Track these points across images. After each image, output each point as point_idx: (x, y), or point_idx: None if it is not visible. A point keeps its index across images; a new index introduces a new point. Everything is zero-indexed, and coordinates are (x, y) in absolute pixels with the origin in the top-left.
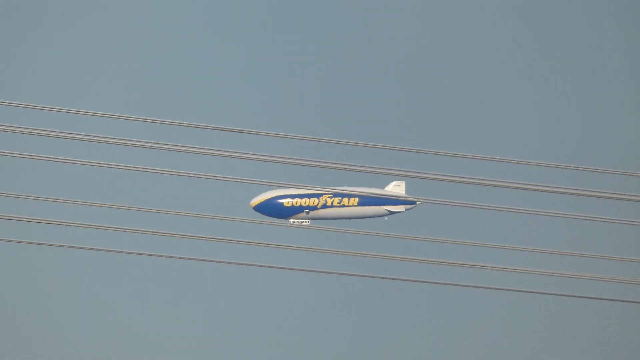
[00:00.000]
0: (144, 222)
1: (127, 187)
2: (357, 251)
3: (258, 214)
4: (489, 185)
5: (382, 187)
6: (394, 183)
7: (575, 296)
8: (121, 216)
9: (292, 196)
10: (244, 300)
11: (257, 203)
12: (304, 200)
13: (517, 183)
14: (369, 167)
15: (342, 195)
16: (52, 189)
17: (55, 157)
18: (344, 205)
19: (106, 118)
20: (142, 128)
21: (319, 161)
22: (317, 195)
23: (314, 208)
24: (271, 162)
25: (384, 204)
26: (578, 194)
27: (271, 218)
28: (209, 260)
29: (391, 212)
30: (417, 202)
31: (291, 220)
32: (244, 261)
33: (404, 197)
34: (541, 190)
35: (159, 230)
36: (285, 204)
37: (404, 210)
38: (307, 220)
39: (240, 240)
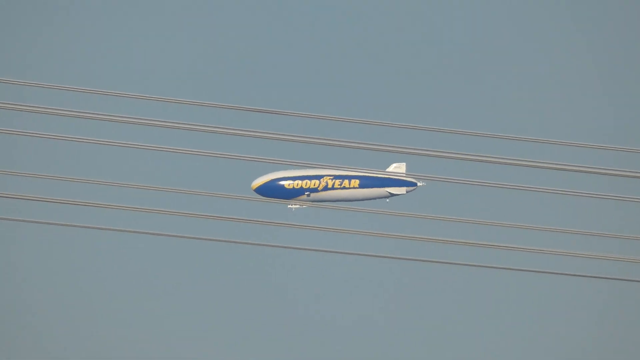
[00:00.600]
0: (144, 200)
1: (127, 165)
2: (361, 230)
3: (259, 196)
4: (493, 162)
5: (383, 169)
6: (394, 165)
7: (580, 275)
8: (124, 194)
9: (293, 178)
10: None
11: (257, 185)
12: (304, 182)
13: (524, 160)
14: (373, 144)
15: (343, 177)
16: (46, 167)
17: (52, 134)
18: (345, 187)
19: (98, 95)
20: (144, 105)
21: (321, 138)
22: (318, 177)
23: (315, 190)
24: (273, 138)
25: (385, 186)
26: (586, 172)
27: (271, 200)
28: (211, 239)
29: (392, 194)
30: (419, 184)
31: (291, 206)
32: (247, 241)
33: (411, 175)
34: (550, 168)
35: (158, 208)
36: (286, 186)
37: (405, 192)
38: (307, 204)
39: (252, 220)
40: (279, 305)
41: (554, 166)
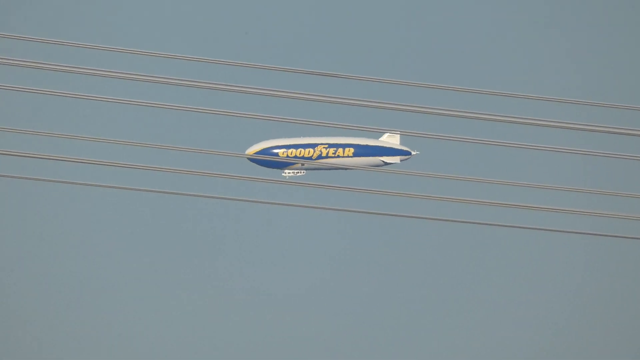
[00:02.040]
0: (143, 157)
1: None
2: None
3: (253, 164)
4: (486, 119)
5: (376, 138)
6: (387, 134)
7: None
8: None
9: (287, 146)
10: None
11: (252, 152)
12: (299, 150)
13: (515, 118)
14: (368, 102)
15: (337, 146)
16: (45, 124)
17: (50, 89)
18: (339, 156)
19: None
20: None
21: (329, 99)
22: (313, 146)
23: (309, 159)
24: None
25: (379, 155)
26: (583, 129)
27: (266, 168)
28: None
29: (386, 163)
30: (413, 153)
31: (285, 172)
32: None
33: (404, 147)
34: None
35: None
36: (281, 154)
37: (399, 161)
38: (302, 171)
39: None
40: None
41: (548, 124)
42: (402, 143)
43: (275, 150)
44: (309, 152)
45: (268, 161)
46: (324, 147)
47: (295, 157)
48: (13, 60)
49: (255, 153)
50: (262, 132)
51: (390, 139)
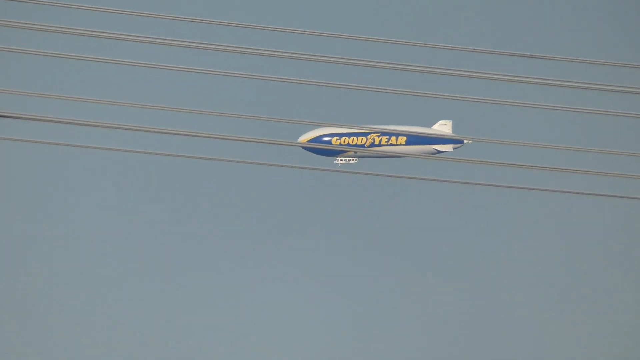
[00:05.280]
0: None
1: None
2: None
3: (306, 151)
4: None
5: (429, 126)
6: (440, 122)
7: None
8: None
9: (340, 134)
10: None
11: (305, 140)
12: (351, 138)
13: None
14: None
15: (390, 134)
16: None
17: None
18: (391, 144)
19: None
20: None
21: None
22: (365, 134)
23: (362, 146)
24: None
25: (432, 143)
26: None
27: (318, 156)
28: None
29: (439, 152)
30: (465, 142)
31: (338, 159)
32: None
33: (453, 136)
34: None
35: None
36: (333, 142)
37: (452, 149)
38: (354, 159)
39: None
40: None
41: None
42: (454, 132)
43: (327, 138)
44: (361, 140)
45: (321, 148)
46: (376, 136)
47: (348, 144)
48: (14, 22)
49: (307, 141)
50: (314, 118)
51: (442, 128)
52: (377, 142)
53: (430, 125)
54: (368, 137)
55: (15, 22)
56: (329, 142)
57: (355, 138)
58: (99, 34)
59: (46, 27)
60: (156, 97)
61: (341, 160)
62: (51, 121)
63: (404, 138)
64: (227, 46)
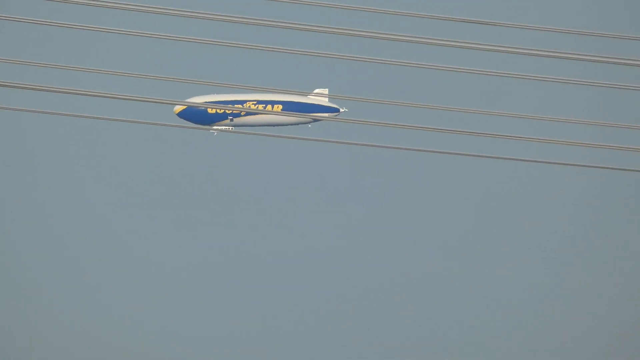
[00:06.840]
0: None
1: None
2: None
3: (182, 120)
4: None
5: (305, 93)
6: (317, 90)
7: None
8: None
9: (216, 102)
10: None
11: (180, 110)
12: (227, 106)
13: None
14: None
15: (266, 102)
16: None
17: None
18: (268, 112)
19: None
20: None
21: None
22: (241, 102)
23: (238, 115)
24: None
25: (308, 111)
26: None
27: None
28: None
29: (315, 120)
30: (341, 110)
31: (214, 128)
32: None
33: (331, 105)
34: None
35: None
36: (209, 111)
37: (327, 117)
38: (230, 128)
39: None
40: None
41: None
42: (330, 101)
43: (203, 107)
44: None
45: (197, 117)
46: (252, 104)
47: (224, 113)
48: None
49: (183, 110)
50: (189, 88)
51: (319, 97)
52: (253, 111)
53: (306, 93)
54: (244, 105)
55: None
56: (205, 110)
57: (231, 106)
58: (98, 3)
59: None
60: None
61: (217, 129)
62: (50, 91)
63: (280, 106)
64: None
